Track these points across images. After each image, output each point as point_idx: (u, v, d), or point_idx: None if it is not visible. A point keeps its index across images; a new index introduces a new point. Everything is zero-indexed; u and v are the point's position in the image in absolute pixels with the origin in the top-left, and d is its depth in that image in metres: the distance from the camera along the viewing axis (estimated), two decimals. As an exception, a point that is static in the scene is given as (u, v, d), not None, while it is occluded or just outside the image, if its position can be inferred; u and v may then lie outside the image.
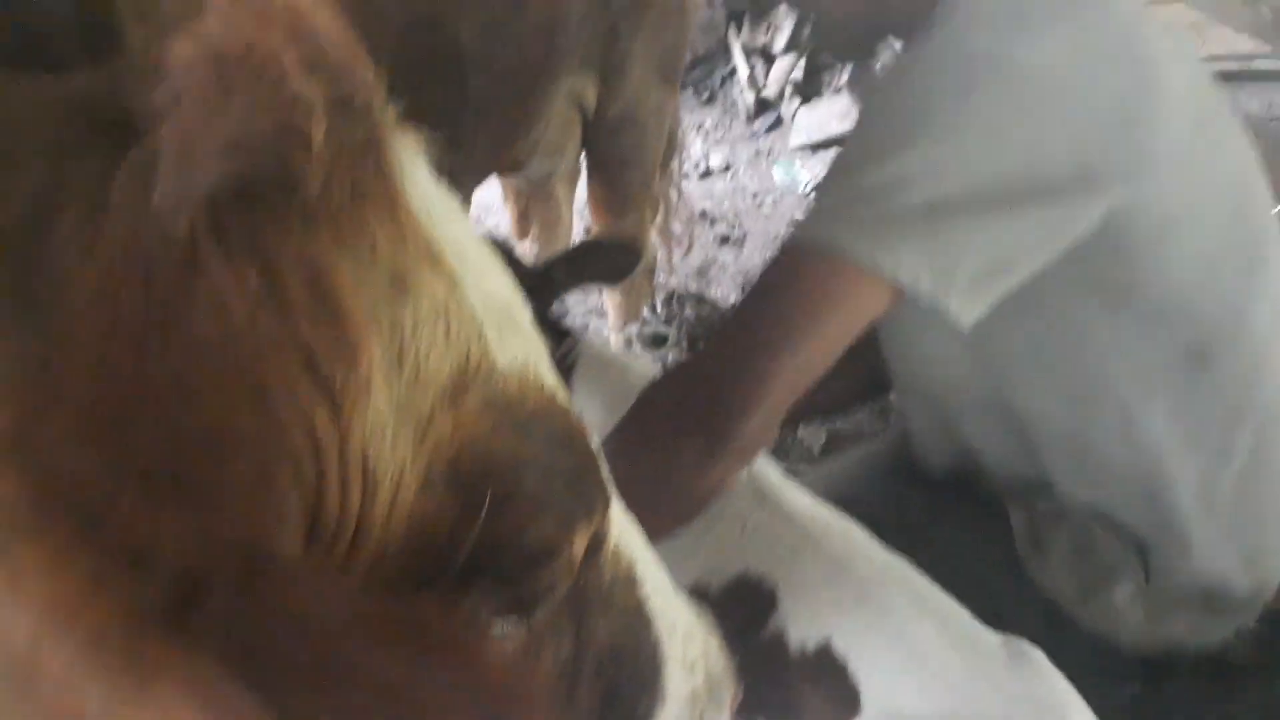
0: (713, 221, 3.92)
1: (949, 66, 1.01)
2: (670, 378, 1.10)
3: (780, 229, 3.87)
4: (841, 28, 1.28)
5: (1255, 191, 1.20)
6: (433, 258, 0.45)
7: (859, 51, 1.39)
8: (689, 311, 3.24)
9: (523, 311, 0.54)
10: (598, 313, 2.83)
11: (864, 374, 1.53)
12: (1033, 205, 0.98)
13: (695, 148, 4.40)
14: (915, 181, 0.95)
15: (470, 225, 0.52)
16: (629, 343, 2.56)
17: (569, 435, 0.52)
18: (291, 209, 0.39)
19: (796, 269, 1.00)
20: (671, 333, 3.22)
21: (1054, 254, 1.03)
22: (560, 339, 1.30)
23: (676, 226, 2.86)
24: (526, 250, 2.73)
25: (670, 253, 2.92)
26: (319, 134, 0.37)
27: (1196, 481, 1.23)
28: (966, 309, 0.99)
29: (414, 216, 0.44)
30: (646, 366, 1.40)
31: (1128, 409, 1.20)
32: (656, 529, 0.75)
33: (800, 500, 1.22)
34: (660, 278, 3.23)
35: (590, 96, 2.04)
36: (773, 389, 0.98)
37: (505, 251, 1.44)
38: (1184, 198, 1.08)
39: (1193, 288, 1.14)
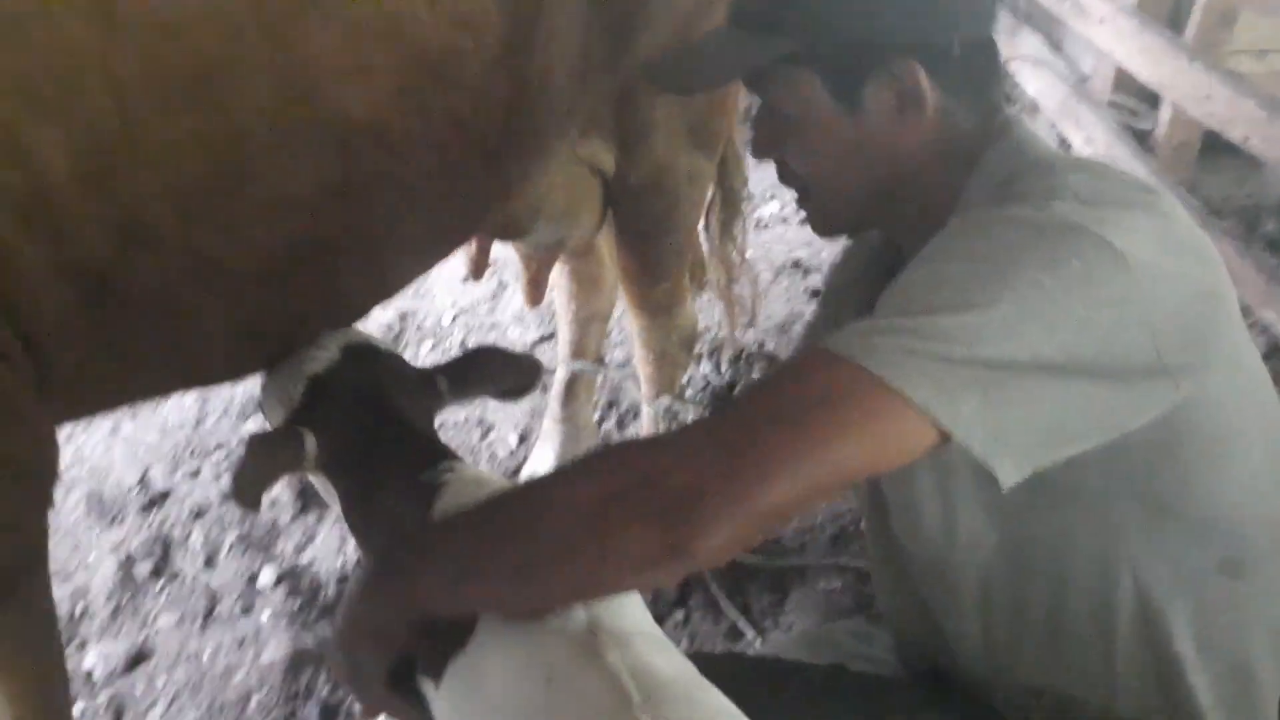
0: (806, 272, 3.68)
1: (1044, 231, 0.95)
2: (654, 444, 0.96)
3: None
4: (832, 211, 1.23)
5: None
6: None
7: (840, 234, 1.30)
8: (756, 372, 3.04)
9: None
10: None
11: None
12: (1104, 384, 0.94)
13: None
14: (990, 338, 0.89)
15: None
16: (665, 411, 2.38)
17: None
18: None
19: (843, 384, 0.89)
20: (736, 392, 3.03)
21: (1113, 434, 0.96)
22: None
23: (741, 289, 2.66)
24: (565, 314, 2.59)
25: (733, 319, 2.73)
26: None
27: (1217, 692, 1.14)
28: (1012, 470, 0.91)
29: None
30: None
31: (1153, 615, 1.12)
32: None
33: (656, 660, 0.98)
34: (726, 330, 3.05)
35: (605, 162, 1.89)
36: (768, 498, 0.85)
37: (389, 358, 1.33)
38: (1237, 405, 1.05)
39: (1239, 505, 1.09)
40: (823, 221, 1.25)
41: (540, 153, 1.67)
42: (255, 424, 3.05)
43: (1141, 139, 3.68)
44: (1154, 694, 1.16)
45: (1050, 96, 4.14)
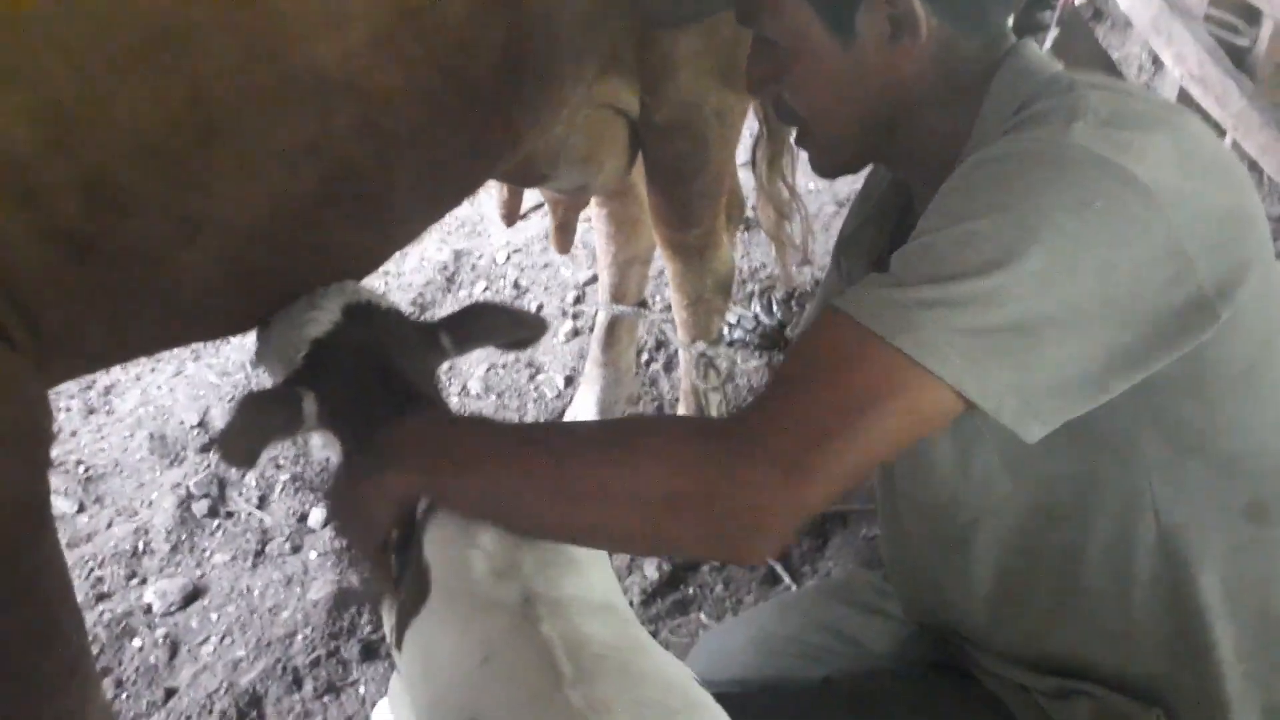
0: (870, 204, 3.55)
1: (1065, 168, 0.90)
2: (715, 442, 0.94)
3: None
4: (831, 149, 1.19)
5: None
6: None
7: (843, 172, 1.24)
8: (808, 312, 2.96)
9: None
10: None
11: None
12: (1144, 325, 0.91)
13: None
14: (1020, 296, 0.87)
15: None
16: (700, 357, 2.32)
17: None
18: None
19: (882, 372, 0.89)
20: (787, 333, 2.96)
21: (1149, 372, 0.93)
22: None
23: (793, 229, 2.56)
24: (604, 257, 2.54)
25: (785, 259, 2.64)
26: None
27: (1239, 644, 1.09)
28: (1040, 430, 0.91)
29: None
30: None
31: (1178, 563, 1.07)
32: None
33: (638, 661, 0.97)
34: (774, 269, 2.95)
35: (628, 102, 1.82)
36: (821, 501, 0.90)
37: (389, 316, 1.31)
38: (1267, 337, 1.00)
39: (1267, 443, 1.04)
40: (823, 159, 1.21)
41: (551, 98, 1.62)
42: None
43: (1238, 58, 3.40)
44: (1172, 649, 1.10)
45: (1142, 11, 3.85)
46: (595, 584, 1.03)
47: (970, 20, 1.07)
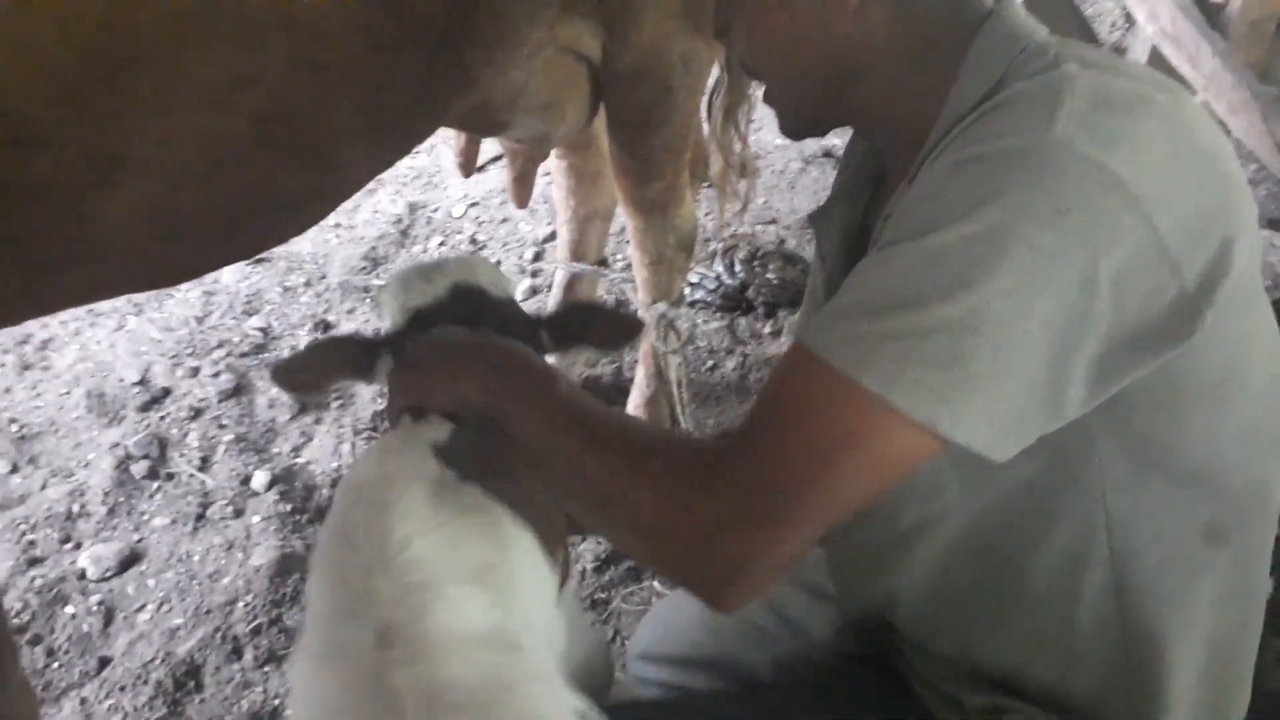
0: (837, 162, 3.47)
1: (1041, 170, 0.83)
2: (703, 479, 0.90)
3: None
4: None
5: None
6: None
7: (809, 134, 1.18)
8: (771, 273, 2.89)
9: None
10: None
11: None
12: (1127, 336, 0.85)
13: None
14: (987, 320, 0.81)
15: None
16: (660, 319, 2.24)
17: None
18: None
19: (854, 416, 0.85)
20: (747, 294, 2.88)
21: (1125, 382, 0.88)
22: None
23: (738, 180, 2.47)
24: (564, 213, 2.44)
25: (722, 210, 2.56)
26: None
27: (1188, 668, 1.04)
28: (1011, 448, 0.86)
29: None
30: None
31: (1129, 583, 1.01)
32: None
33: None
34: (737, 227, 2.87)
35: (590, 46, 1.72)
36: (800, 550, 0.89)
37: (498, 306, 1.23)
38: (1243, 347, 0.95)
39: (1232, 463, 0.99)
40: (784, 120, 1.15)
41: (505, 38, 1.51)
42: (259, 321, 2.99)
43: (1212, 15, 3.35)
44: (1118, 668, 1.05)
45: (1114, -32, 3.80)
46: (474, 610, 0.94)
47: None
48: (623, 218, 2.27)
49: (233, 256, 1.42)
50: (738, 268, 2.90)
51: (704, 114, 2.21)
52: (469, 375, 1.06)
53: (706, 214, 3.15)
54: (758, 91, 2.77)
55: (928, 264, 0.84)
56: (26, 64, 0.99)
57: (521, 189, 2.15)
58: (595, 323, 1.27)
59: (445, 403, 1.09)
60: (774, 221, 3.02)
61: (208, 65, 1.10)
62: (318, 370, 1.20)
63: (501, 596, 0.99)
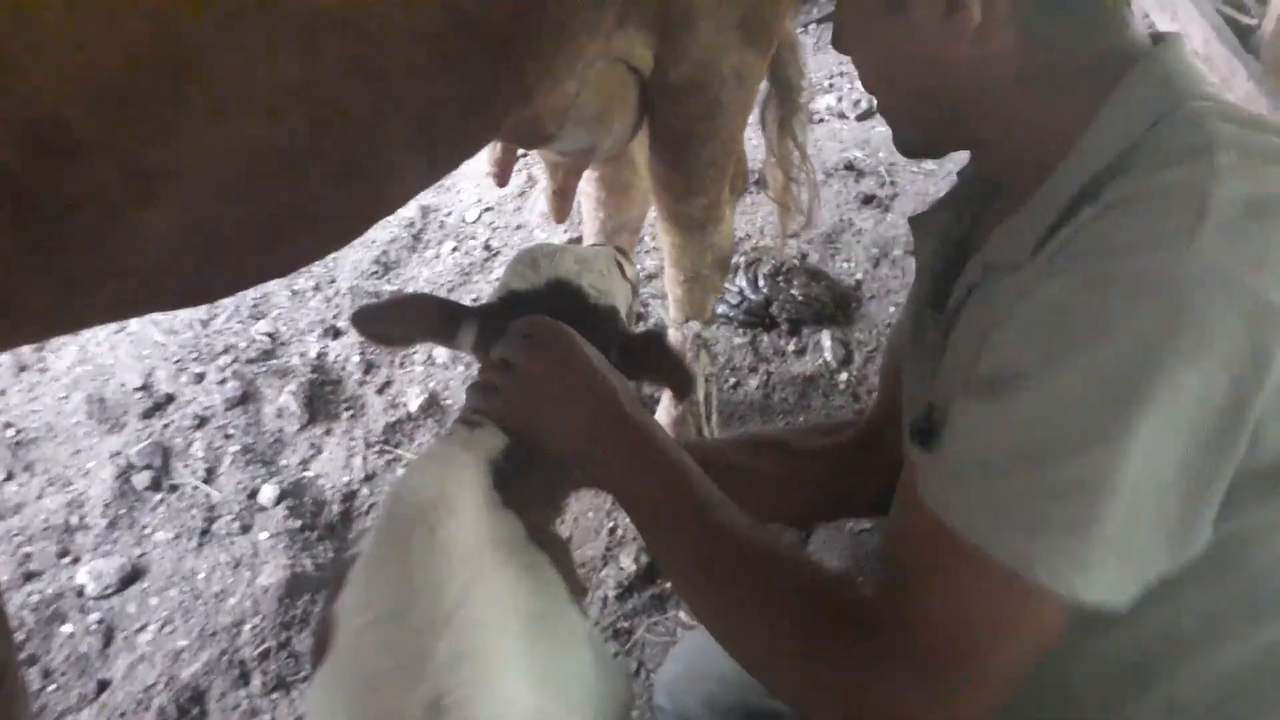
0: (860, 175, 3.39)
1: (1182, 302, 0.76)
2: (856, 642, 0.90)
3: (941, 190, 3.31)
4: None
5: None
6: None
7: (921, 153, 1.15)
8: (795, 289, 2.81)
9: None
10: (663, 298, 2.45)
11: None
12: (1248, 471, 0.79)
13: (855, 84, 3.84)
14: (1129, 475, 0.76)
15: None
16: (694, 339, 2.16)
17: None
18: None
19: (997, 596, 0.83)
20: (772, 310, 2.80)
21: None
22: None
23: (800, 192, 2.40)
24: (592, 224, 2.36)
25: (784, 224, 2.49)
26: None
27: None
28: (1136, 593, 0.81)
29: None
30: None
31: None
32: None
33: None
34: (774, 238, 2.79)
35: (642, 58, 1.64)
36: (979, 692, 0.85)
37: (590, 313, 1.19)
38: None
39: None
40: (894, 135, 1.09)
41: (565, 50, 1.43)
42: (267, 326, 2.89)
43: (1244, 37, 3.30)
44: None
45: (1143, -14, 3.74)
46: (520, 691, 0.95)
47: (1066, 11, 0.92)
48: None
49: (270, 273, 1.34)
50: (761, 282, 2.82)
51: (760, 126, 2.15)
52: (581, 423, 1.04)
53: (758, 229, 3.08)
54: (811, 103, 2.68)
55: (1055, 411, 0.80)
56: (74, 70, 0.90)
57: (561, 202, 2.07)
58: (660, 364, 1.24)
59: (553, 445, 1.06)
60: (796, 235, 2.94)
61: (264, 71, 1.02)
62: (401, 322, 1.18)
63: (549, 648, 1.00)
